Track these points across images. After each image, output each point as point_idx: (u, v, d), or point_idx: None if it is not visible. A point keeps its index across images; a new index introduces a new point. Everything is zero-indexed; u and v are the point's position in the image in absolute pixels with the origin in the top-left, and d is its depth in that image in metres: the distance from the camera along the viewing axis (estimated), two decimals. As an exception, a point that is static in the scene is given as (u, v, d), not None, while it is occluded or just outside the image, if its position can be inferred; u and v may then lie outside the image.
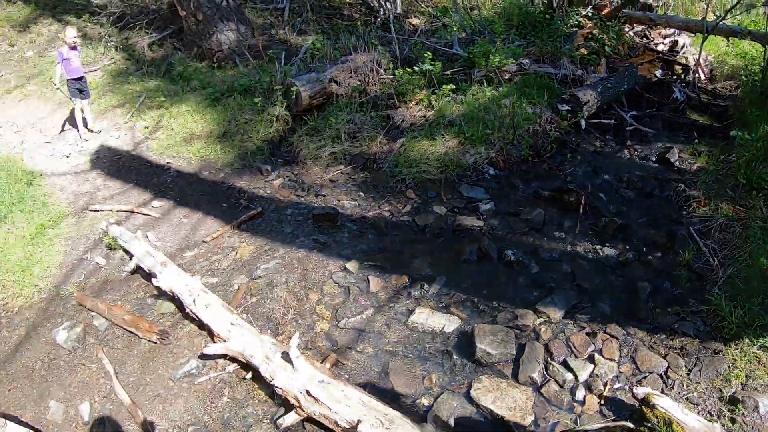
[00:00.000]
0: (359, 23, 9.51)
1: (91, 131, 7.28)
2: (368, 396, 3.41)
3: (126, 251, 5.29)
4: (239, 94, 7.33)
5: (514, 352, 3.78)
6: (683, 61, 8.34)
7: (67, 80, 7.04)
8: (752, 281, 4.07)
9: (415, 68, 7.16)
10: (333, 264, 4.80)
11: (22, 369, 4.44)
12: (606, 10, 8.64)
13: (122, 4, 9.36)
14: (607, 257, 4.67)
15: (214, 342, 4.00)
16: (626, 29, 8.70)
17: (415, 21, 9.89)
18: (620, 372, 3.68)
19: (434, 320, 4.12)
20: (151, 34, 9.15)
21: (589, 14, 8.65)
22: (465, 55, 7.57)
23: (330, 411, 3.31)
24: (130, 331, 4.44)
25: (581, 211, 5.15)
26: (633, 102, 7.28)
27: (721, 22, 7.47)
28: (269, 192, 6.06)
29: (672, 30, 9.00)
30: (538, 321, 4.05)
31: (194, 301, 4.10)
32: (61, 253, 5.51)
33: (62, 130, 7.66)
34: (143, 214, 5.80)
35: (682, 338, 3.84)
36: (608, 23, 8.59)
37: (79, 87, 7.08)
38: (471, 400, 3.51)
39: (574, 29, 8.44)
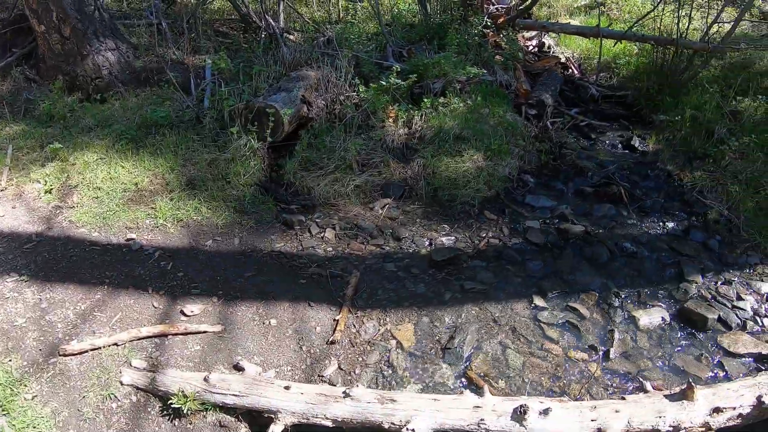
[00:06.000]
0: (241, 41, 8.86)
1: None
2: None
3: (229, 409, 3.43)
4: (168, 128, 6.12)
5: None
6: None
7: None
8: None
9: (382, 83, 6.88)
10: (517, 305, 4.58)
11: None
12: (501, 20, 9.92)
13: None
14: (674, 228, 5.78)
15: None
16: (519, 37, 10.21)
17: (291, 37, 9.58)
18: None
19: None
20: (-23, 62, 7.02)
21: (487, 23, 9.60)
22: (407, 67, 7.62)
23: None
24: None
25: (625, 199, 6.28)
26: (564, 101, 8.78)
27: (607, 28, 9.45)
28: (332, 250, 5.11)
29: (533, 33, 10.94)
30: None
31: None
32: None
33: None
34: (191, 333, 3.79)
35: None
36: (504, 32, 9.90)
37: None
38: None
39: (477, 38, 9.45)
